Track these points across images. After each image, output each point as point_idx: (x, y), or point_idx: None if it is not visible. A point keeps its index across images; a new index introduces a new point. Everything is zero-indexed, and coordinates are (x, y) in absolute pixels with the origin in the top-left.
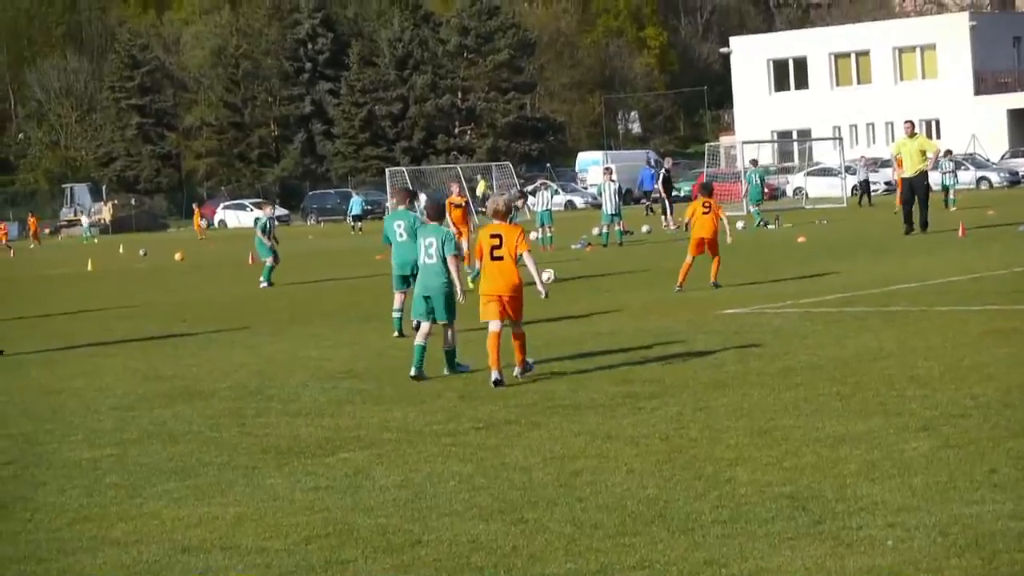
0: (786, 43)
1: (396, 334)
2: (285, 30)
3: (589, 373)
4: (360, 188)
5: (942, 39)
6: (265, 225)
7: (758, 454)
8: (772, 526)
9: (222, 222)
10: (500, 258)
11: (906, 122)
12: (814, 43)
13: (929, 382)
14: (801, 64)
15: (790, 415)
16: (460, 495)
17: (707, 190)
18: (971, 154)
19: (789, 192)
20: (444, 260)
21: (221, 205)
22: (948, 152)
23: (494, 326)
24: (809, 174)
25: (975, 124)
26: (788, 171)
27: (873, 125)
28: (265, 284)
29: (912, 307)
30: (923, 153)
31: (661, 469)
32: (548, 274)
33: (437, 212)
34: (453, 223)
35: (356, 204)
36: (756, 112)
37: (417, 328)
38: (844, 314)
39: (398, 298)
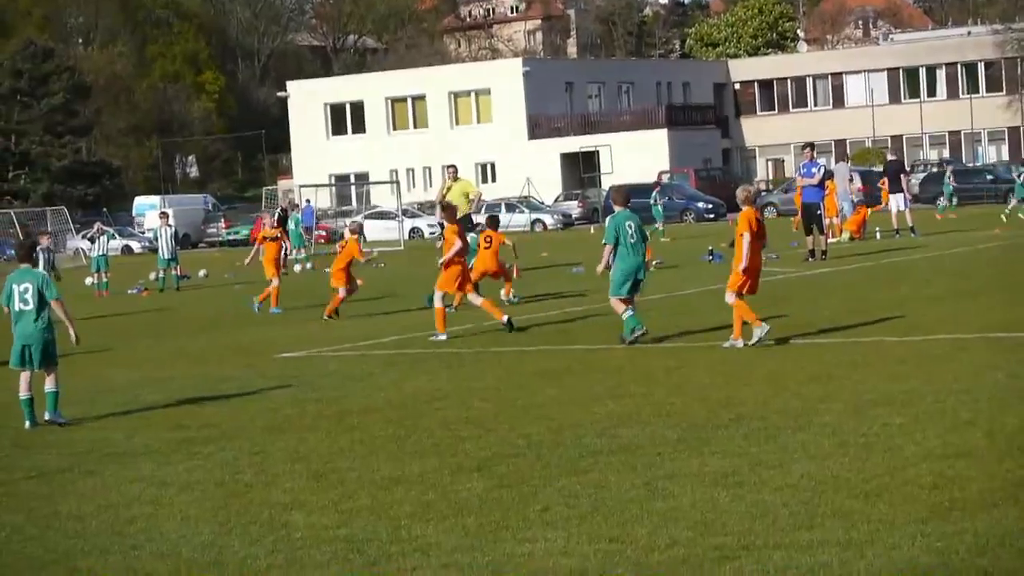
0: (343, 88)
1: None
2: None
3: (145, 419)
4: None
5: (496, 84)
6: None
7: (314, 497)
8: (327, 570)
9: None
10: None
11: (449, 166)
12: (371, 88)
13: (483, 422)
14: (358, 108)
15: (346, 458)
16: (11, 546)
17: (493, 223)
18: (526, 197)
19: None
20: (40, 307)
21: None
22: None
23: None
24: (367, 217)
25: (529, 168)
26: (346, 215)
27: (430, 169)
28: None
29: (468, 349)
30: (467, 196)
31: (216, 515)
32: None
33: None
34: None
35: None
36: (314, 156)
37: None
38: (401, 356)
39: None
